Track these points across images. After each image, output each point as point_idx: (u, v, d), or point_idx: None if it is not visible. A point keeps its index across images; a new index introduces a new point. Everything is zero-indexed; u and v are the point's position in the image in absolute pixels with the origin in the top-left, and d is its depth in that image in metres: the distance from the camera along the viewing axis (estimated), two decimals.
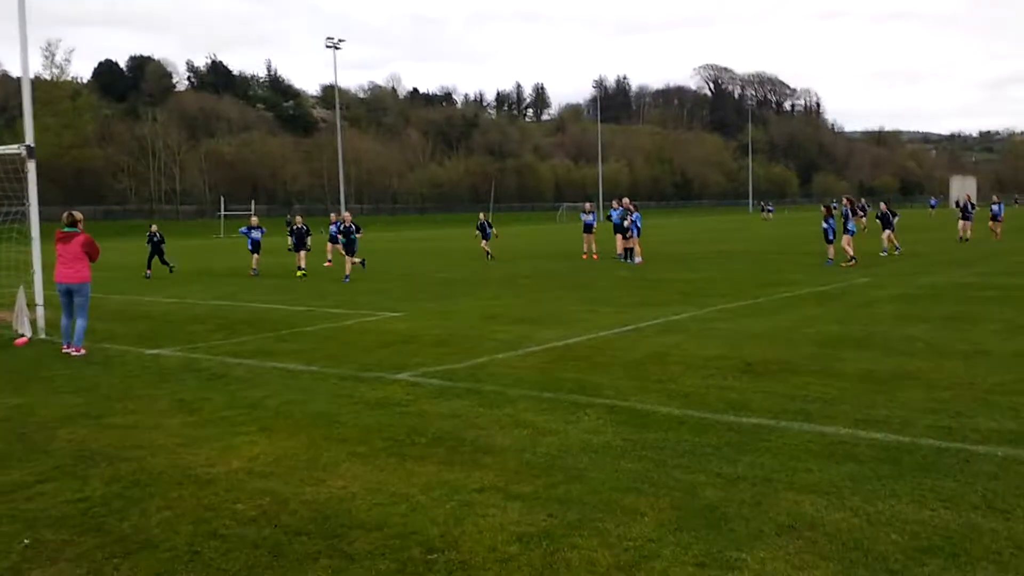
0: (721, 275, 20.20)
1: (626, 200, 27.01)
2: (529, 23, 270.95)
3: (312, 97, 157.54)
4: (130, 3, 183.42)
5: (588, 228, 28.33)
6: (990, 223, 34.67)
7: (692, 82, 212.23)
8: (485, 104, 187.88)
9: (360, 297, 17.39)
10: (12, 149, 12.20)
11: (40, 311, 12.44)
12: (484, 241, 28.22)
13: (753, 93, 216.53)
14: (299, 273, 23.25)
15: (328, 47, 78.04)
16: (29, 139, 12.09)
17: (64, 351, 10.78)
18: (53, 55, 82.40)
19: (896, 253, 26.05)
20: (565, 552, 4.43)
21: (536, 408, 7.53)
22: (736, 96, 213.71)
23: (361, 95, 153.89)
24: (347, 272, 21.54)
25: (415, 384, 8.70)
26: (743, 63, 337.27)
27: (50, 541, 4.78)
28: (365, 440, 6.64)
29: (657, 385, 8.34)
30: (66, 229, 10.80)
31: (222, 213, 65.48)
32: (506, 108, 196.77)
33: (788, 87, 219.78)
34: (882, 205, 27.88)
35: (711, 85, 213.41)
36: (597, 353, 10.17)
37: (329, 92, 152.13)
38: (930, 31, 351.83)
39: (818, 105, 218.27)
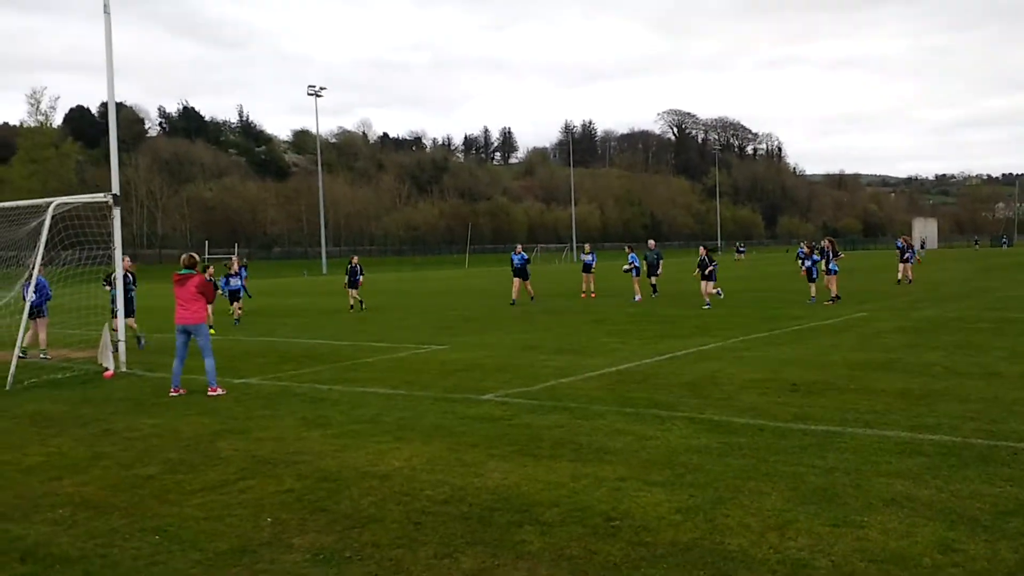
0: (726, 311, 21.48)
1: (652, 242, 29.77)
2: (493, 70, 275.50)
3: (284, 142, 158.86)
4: (93, 50, 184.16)
5: (587, 268, 29.60)
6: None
7: (656, 127, 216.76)
8: (453, 148, 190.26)
9: (393, 333, 18.38)
10: (99, 198, 13.16)
11: (122, 347, 13.31)
12: (352, 289, 25.22)
13: (716, 137, 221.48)
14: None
15: (310, 95, 79.66)
16: (115, 188, 13.09)
17: (173, 394, 10.85)
18: (39, 102, 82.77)
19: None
20: (720, 519, 5.53)
21: (625, 420, 8.63)
22: (699, 140, 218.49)
23: (332, 140, 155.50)
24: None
25: (504, 403, 9.75)
26: (705, 108, 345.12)
27: (289, 519, 5.78)
28: (494, 445, 7.68)
29: (721, 402, 9.48)
30: (182, 271, 11.15)
31: (207, 256, 66.18)
32: (474, 152, 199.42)
33: (750, 131, 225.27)
34: (903, 239, 32.81)
35: (675, 130, 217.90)
36: (651, 377, 11.30)
37: (300, 137, 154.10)
38: (882, 76, 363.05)
39: (779, 149, 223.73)
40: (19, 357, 12.43)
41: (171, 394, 10.93)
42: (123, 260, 16.30)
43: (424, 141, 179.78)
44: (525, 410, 9.29)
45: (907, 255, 33.67)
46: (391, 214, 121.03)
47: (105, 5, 12.96)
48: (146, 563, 5.02)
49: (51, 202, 12.70)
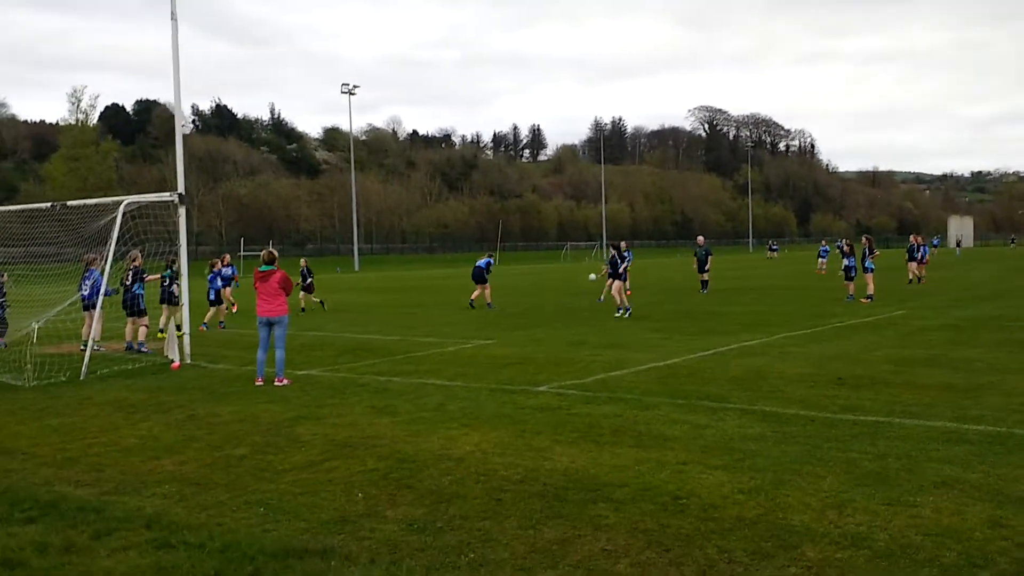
0: (766, 308, 21.79)
1: (701, 238, 30.77)
2: (520, 67, 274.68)
3: (314, 140, 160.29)
4: (128, 50, 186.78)
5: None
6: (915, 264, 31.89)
7: (687, 123, 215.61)
8: (483, 145, 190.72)
9: (439, 328, 18.88)
10: (165, 197, 13.79)
11: (187, 339, 13.92)
12: (304, 294, 24.20)
13: (748, 134, 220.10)
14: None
15: (343, 93, 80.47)
16: (181, 188, 13.72)
17: (258, 384, 11.30)
18: (79, 101, 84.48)
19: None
20: (782, 498, 5.94)
21: (680, 410, 9.04)
22: (731, 137, 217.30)
23: (362, 137, 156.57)
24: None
25: (560, 395, 10.19)
26: (737, 104, 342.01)
27: (378, 494, 6.27)
28: (558, 432, 8.13)
29: (771, 395, 9.86)
30: (263, 268, 11.64)
31: (242, 253, 67.27)
32: (503, 149, 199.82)
33: (782, 128, 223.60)
34: (913, 238, 32.12)
35: (706, 126, 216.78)
36: (699, 371, 11.69)
37: (330, 134, 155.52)
38: (918, 72, 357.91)
39: (812, 146, 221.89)
40: (95, 349, 13.06)
41: (257, 383, 11.35)
42: (134, 256, 15.59)
43: (453, 138, 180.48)
44: (581, 401, 9.73)
45: (918, 254, 32.58)
46: (421, 211, 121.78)
47: (172, 12, 13.56)
48: (259, 530, 5.53)
49: (121, 201, 13.32)
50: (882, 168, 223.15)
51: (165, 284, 17.28)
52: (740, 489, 6.18)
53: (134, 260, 15.31)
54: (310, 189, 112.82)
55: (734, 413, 8.82)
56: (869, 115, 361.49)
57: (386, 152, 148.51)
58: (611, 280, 21.54)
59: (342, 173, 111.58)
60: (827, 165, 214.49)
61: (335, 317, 22.86)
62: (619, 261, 21.34)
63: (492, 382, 11.23)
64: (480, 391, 10.56)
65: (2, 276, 16.47)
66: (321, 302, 24.86)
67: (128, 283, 15.46)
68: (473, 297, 24.41)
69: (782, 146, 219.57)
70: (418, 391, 10.66)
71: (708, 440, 7.68)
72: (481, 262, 24.95)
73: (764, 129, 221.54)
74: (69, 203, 14.38)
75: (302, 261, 25.45)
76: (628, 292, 28.72)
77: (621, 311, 20.35)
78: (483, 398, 10.07)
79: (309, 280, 24.60)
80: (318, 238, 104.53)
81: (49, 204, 14.32)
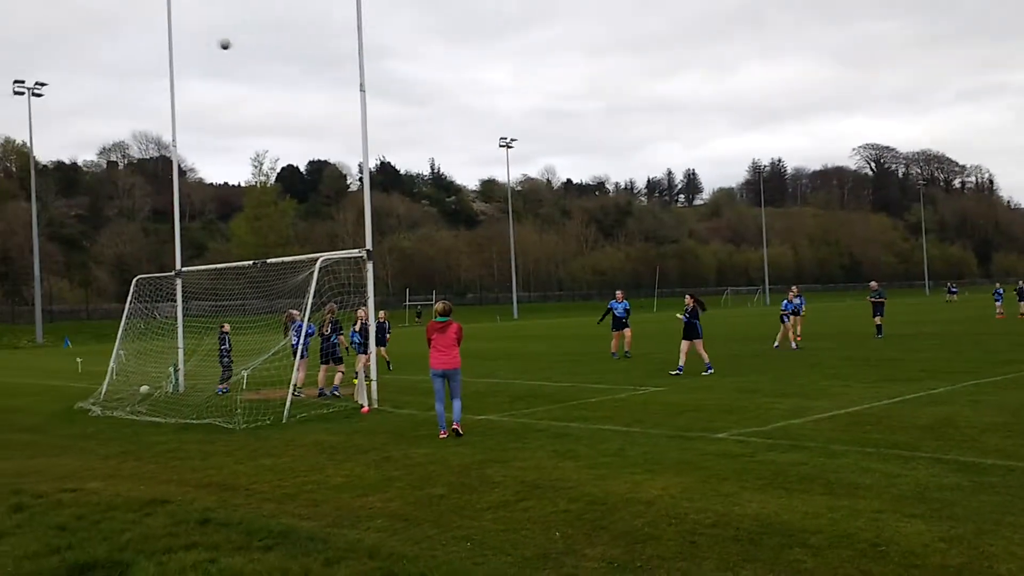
0: (948, 354, 20.78)
1: (874, 283, 29.84)
2: (670, 113, 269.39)
3: (472, 191, 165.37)
4: (297, 116, 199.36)
5: (796, 311, 29.30)
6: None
7: (851, 162, 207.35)
8: (636, 191, 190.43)
9: (607, 375, 19.13)
10: (355, 253, 14.89)
11: (374, 385, 14.83)
12: (380, 348, 20.53)
13: (919, 171, 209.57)
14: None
15: (502, 146, 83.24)
16: (368, 244, 14.76)
17: (442, 436, 11.23)
18: (261, 164, 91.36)
19: None
20: (985, 547, 5.83)
21: (868, 459, 8.88)
22: (900, 175, 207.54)
23: (517, 187, 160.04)
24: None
25: (741, 442, 10.21)
26: (903, 141, 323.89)
27: (575, 534, 6.58)
28: (743, 479, 8.20)
29: (964, 444, 9.51)
30: (439, 319, 11.57)
31: (407, 303, 70.13)
32: (658, 195, 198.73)
33: (956, 164, 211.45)
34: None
35: (872, 165, 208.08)
36: (884, 420, 11.38)
37: (486, 186, 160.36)
38: None
39: (991, 181, 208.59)
40: (295, 395, 14.15)
41: (441, 436, 11.34)
42: (331, 308, 16.40)
43: (607, 186, 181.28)
44: (763, 448, 9.72)
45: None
46: (577, 259, 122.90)
47: (361, 84, 14.74)
48: (470, 563, 5.95)
49: (317, 258, 14.46)
50: None
51: (350, 333, 17.57)
52: (941, 538, 6.09)
53: (331, 312, 16.47)
54: (469, 240, 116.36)
55: (926, 462, 8.60)
56: None
57: (541, 202, 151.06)
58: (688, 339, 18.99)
59: (499, 223, 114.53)
60: (1008, 201, 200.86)
61: (504, 364, 23.52)
62: (697, 313, 19.00)
63: (669, 428, 11.37)
64: (658, 437, 10.72)
65: (224, 327, 18.04)
66: (388, 362, 22.75)
67: (327, 333, 16.62)
68: (627, 347, 24.12)
69: (957, 183, 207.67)
70: (596, 436, 10.94)
71: (901, 489, 7.55)
72: (620, 308, 24.05)
73: (936, 166, 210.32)
74: (269, 260, 15.67)
75: (381, 314, 21.99)
76: (799, 339, 28.13)
77: (708, 369, 18.59)
78: (662, 444, 10.23)
79: (387, 335, 22.77)
80: (478, 287, 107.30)
81: (251, 263, 15.65)
